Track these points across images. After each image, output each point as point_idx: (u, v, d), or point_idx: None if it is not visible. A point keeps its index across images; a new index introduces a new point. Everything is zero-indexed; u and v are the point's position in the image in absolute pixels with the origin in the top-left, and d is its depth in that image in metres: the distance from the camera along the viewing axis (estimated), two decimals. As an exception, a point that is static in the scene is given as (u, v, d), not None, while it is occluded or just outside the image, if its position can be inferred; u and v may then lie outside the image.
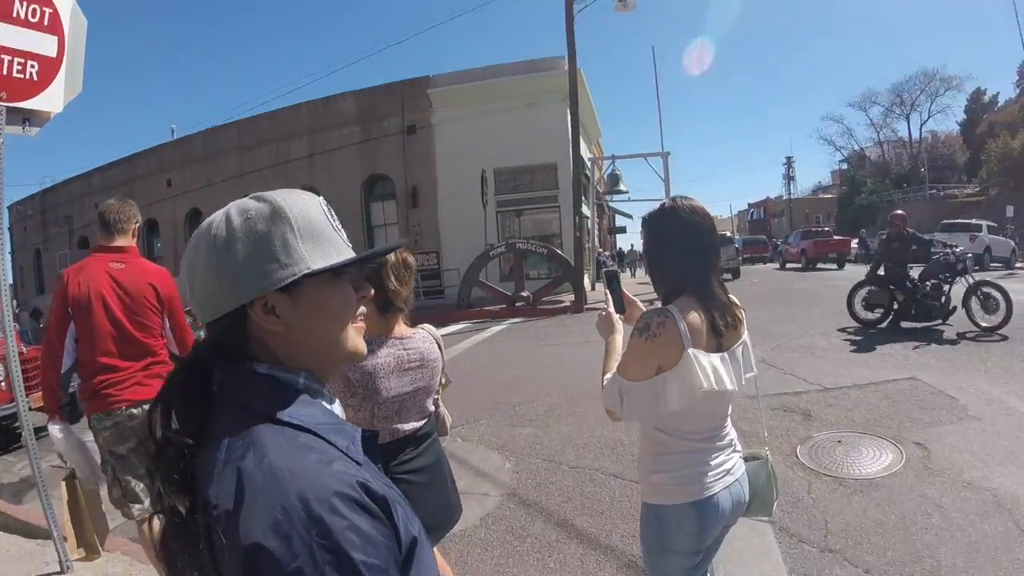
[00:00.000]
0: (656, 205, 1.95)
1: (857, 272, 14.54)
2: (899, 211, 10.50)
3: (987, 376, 6.69)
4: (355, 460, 0.77)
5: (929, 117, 54.97)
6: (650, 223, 1.91)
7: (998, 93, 54.10)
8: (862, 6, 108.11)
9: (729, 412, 1.91)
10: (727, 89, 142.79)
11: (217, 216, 0.85)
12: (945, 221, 25.61)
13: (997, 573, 3.12)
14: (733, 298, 1.90)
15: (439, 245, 20.89)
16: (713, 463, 1.82)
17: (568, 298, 16.75)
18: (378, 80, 23.75)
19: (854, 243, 29.22)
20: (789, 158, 64.63)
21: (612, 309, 2.08)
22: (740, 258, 25.53)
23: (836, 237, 28.99)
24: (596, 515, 4.05)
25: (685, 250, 1.83)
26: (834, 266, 26.90)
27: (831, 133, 76.46)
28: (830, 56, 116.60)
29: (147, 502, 2.89)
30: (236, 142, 24.70)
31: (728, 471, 1.85)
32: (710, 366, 1.70)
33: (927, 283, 9.45)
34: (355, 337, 0.90)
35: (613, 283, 2.15)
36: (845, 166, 62.89)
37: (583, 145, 21.02)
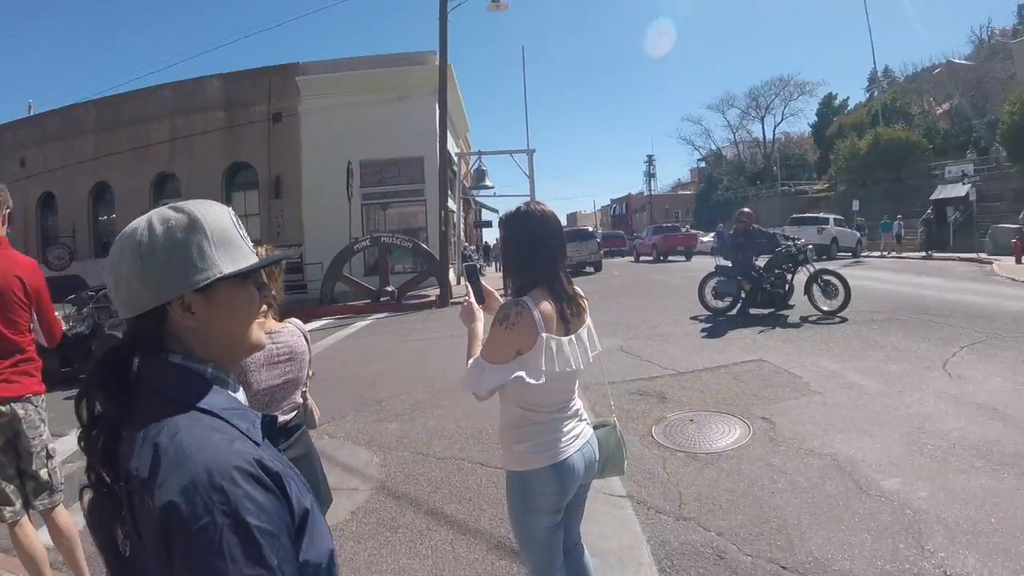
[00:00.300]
0: (512, 207, 2.38)
1: (707, 263, 16.12)
2: (746, 208, 12.15)
3: (828, 355, 7.83)
4: (254, 440, 0.97)
5: (783, 119, 64.69)
6: (506, 224, 2.33)
7: (848, 98, 63.32)
8: (723, 14, 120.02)
9: (577, 387, 2.36)
10: (593, 89, 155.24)
11: (140, 223, 1.04)
12: (794, 215, 29.53)
13: (839, 526, 3.69)
14: (578, 290, 2.35)
15: (302, 238, 21.47)
16: (565, 430, 2.26)
17: (433, 292, 17.71)
18: (249, 66, 23.82)
19: (708, 237, 33.28)
20: (650, 156, 73.22)
21: (473, 300, 2.47)
22: (601, 252, 27.57)
23: (684, 232, 34.08)
24: (464, 502, 4.41)
25: (536, 249, 2.26)
26: (683, 258, 31.06)
27: (690, 133, 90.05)
28: (691, 60, 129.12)
29: (18, 504, 3.07)
30: (94, 122, 24.46)
31: (578, 436, 2.30)
32: (560, 348, 2.16)
33: (772, 273, 10.97)
34: (257, 332, 1.12)
35: (473, 276, 2.57)
36: (703, 164, 71.70)
37: (451, 140, 22.50)
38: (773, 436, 5.18)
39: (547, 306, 2.16)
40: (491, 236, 39.44)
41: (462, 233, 28.02)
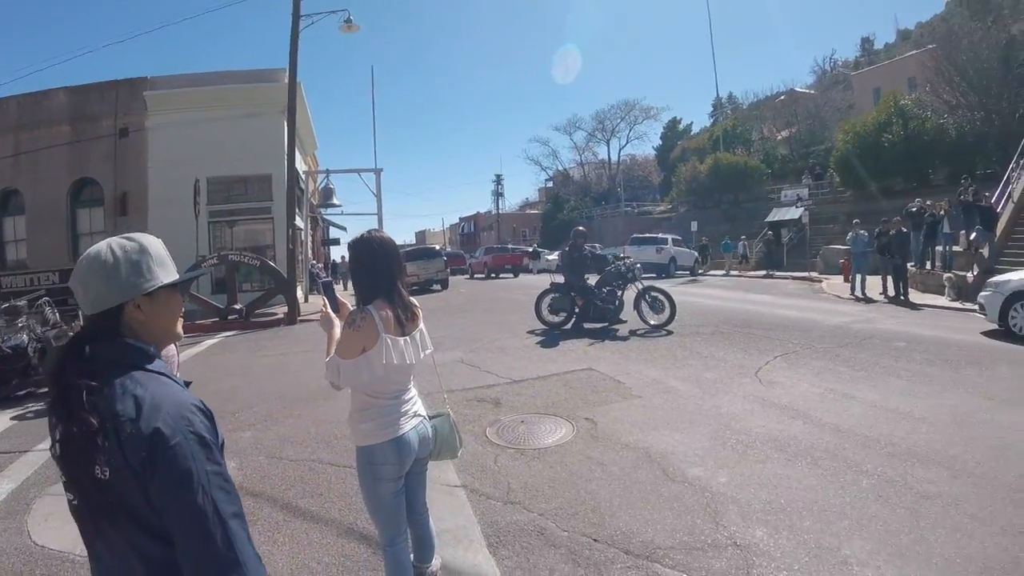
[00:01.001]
0: (358, 234, 3.12)
1: (538, 279, 17.31)
2: (580, 227, 13.56)
3: (652, 364, 8.81)
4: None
5: (628, 142, 69.78)
6: (352, 248, 3.08)
7: (692, 123, 70.29)
8: (573, 39, 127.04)
9: (412, 377, 3.09)
10: (444, 110, 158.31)
11: (103, 247, 1.57)
12: (635, 235, 31.63)
13: (646, 507, 4.37)
14: (413, 300, 3.07)
15: None
16: (402, 411, 2.98)
17: (282, 310, 18.26)
18: (96, 80, 22.78)
19: (553, 255, 35.39)
20: (499, 175, 77.18)
21: (329, 310, 3.15)
22: (448, 270, 28.46)
23: (511, 252, 37.74)
24: (316, 496, 4.99)
25: (376, 267, 2.97)
26: (511, 275, 34.13)
27: (538, 154, 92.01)
28: (540, 82, 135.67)
29: None
30: None
31: (413, 417, 3.02)
32: (397, 346, 2.86)
33: (603, 289, 12.23)
34: (179, 325, 1.70)
35: (329, 290, 3.71)
36: (550, 184, 76.07)
37: (299, 157, 23.74)
38: (595, 434, 5.90)
39: (386, 312, 2.87)
40: (338, 253, 39.48)
41: (309, 251, 28.89)
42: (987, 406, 6.47)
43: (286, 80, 19.69)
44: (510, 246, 41.99)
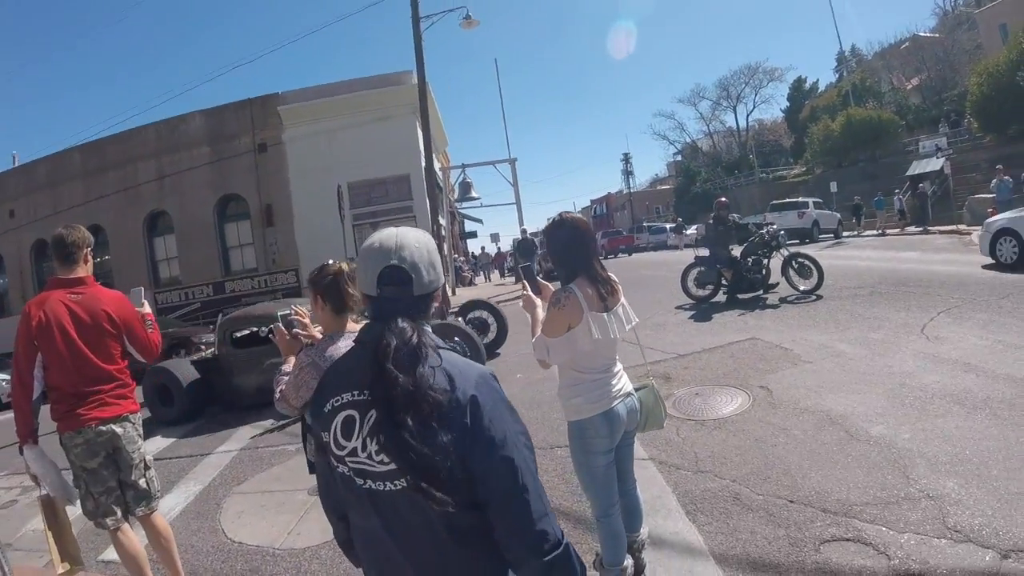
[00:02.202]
0: (553, 218, 3.19)
1: (680, 255, 17.02)
2: (722, 198, 13.19)
3: (815, 329, 8.64)
4: None
5: (754, 107, 66.01)
6: (549, 232, 3.14)
7: (818, 80, 65.19)
8: (685, 7, 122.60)
9: (617, 352, 3.13)
10: (567, 94, 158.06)
11: (425, 236, 1.63)
12: (774, 202, 30.23)
13: (835, 467, 4.44)
14: (612, 275, 3.11)
15: (298, 263, 22.31)
16: (611, 385, 3.03)
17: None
18: (229, 100, 25.23)
19: (692, 230, 35.18)
20: (626, 154, 74.65)
21: (530, 292, 3.20)
22: (601, 251, 28.80)
23: (624, 235, 40.70)
24: None
25: (575, 247, 3.04)
26: (626, 255, 37.25)
27: (664, 128, 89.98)
28: (659, 56, 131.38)
29: (119, 513, 3.59)
30: (81, 167, 25.24)
31: (621, 390, 3.06)
32: (601, 321, 2.92)
33: (749, 259, 11.93)
34: None
35: (529, 274, 3.52)
36: (679, 158, 72.91)
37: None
38: (771, 401, 5.94)
39: (588, 290, 2.93)
40: (476, 246, 40.51)
41: (449, 245, 29.35)
42: None
43: (414, 81, 19.97)
44: (621, 230, 43.76)
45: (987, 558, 3.21)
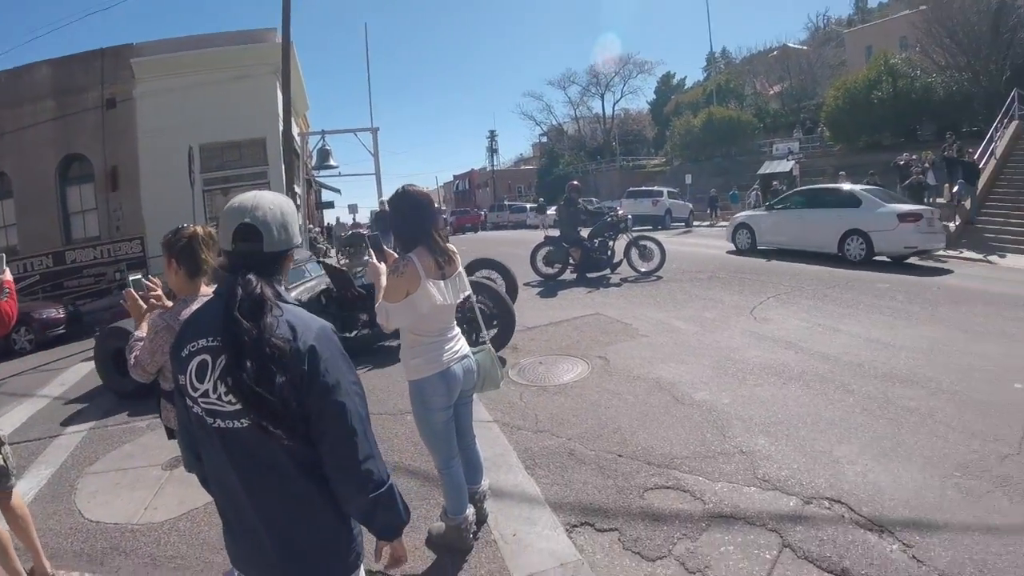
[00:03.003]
0: (397, 189, 3.41)
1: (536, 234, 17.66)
2: (574, 182, 13.97)
3: (655, 307, 9.34)
4: None
5: (622, 96, 68.95)
6: (392, 202, 3.38)
7: (686, 77, 69.67)
8: None
9: (454, 317, 3.42)
10: (437, 66, 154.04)
11: (283, 198, 1.86)
12: (631, 189, 31.96)
13: (661, 426, 4.94)
14: (450, 246, 3.38)
15: (143, 230, 20.48)
16: (447, 348, 3.33)
17: None
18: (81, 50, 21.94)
19: (552, 210, 35.96)
20: (492, 131, 75.12)
21: (376, 260, 3.43)
22: (449, 228, 28.72)
23: (471, 213, 42.38)
24: None
25: (416, 218, 3.28)
26: (472, 232, 38.51)
27: (532, 109, 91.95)
28: (535, 37, 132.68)
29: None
30: None
31: (458, 352, 3.37)
32: (438, 288, 3.19)
33: (595, 240, 12.68)
34: None
35: (375, 244, 3.55)
36: (545, 139, 74.98)
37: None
38: (608, 369, 6.43)
39: (427, 259, 3.19)
40: (332, 216, 39.31)
41: (305, 215, 28.30)
42: (960, 337, 7.03)
43: (278, 39, 18.99)
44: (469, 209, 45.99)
45: (791, 504, 3.75)
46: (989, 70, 27.33)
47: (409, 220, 3.29)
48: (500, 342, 7.13)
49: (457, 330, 3.45)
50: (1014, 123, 19.57)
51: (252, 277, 1.68)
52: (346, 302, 8.04)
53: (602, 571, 3.27)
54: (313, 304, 7.79)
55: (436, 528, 3.63)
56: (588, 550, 3.45)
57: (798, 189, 17.60)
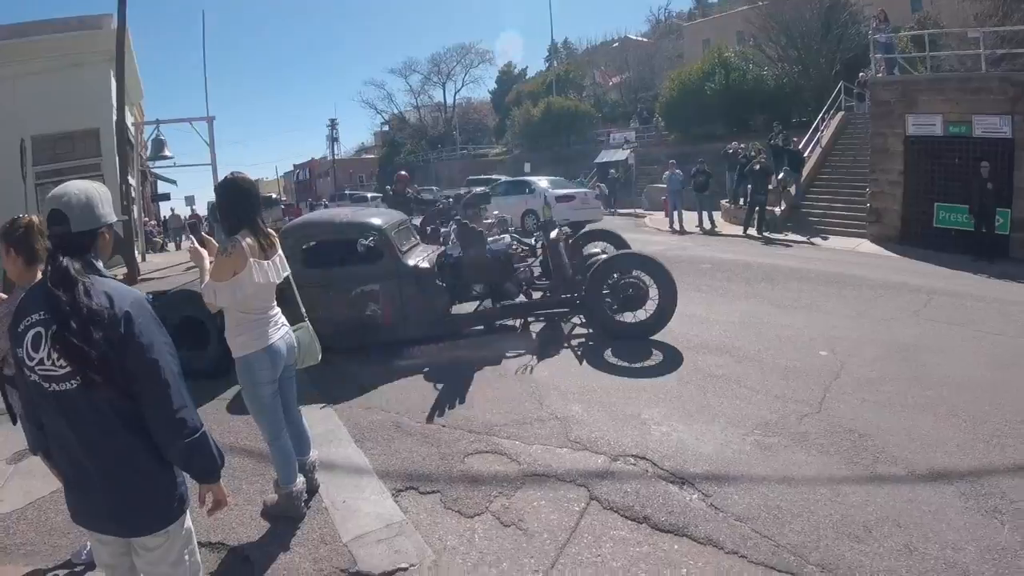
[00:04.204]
0: (225, 176, 3.79)
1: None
2: (402, 172, 14.68)
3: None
4: None
5: (463, 86, 70.12)
6: (221, 188, 3.68)
7: (527, 67, 71.05)
8: None
9: (274, 296, 3.71)
10: (277, 54, 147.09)
11: (88, 184, 2.18)
12: (470, 177, 32.51)
13: (484, 399, 5.25)
14: (270, 230, 3.72)
15: None
16: (270, 324, 3.63)
17: (121, 271, 16.87)
18: None
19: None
20: (333, 120, 76.52)
21: (197, 245, 3.64)
22: (286, 219, 27.73)
23: (296, 208, 40.19)
24: None
25: (242, 203, 3.59)
26: None
27: (373, 97, 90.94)
28: (376, 25, 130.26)
29: None
30: None
31: (279, 328, 3.69)
32: (262, 268, 3.50)
33: (427, 228, 12.72)
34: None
35: (195, 230, 4.40)
36: (386, 128, 74.67)
37: (126, 109, 21.79)
38: (438, 348, 6.77)
39: (251, 241, 3.47)
40: (167, 208, 37.03)
41: (139, 208, 26.90)
42: (772, 311, 7.86)
43: (113, 26, 18.33)
44: (292, 203, 44.48)
45: (599, 461, 4.16)
46: (819, 64, 29.81)
47: (235, 205, 3.58)
48: (663, 316, 6.69)
49: (277, 309, 3.75)
50: (840, 114, 21.57)
51: (60, 255, 2.02)
52: (463, 270, 7.39)
53: (425, 529, 3.57)
54: (429, 273, 7.08)
55: (270, 499, 3.86)
56: (412, 511, 3.75)
57: (502, 180, 23.65)
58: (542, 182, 20.38)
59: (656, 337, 6.61)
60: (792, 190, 18.14)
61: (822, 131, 21.02)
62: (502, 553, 3.30)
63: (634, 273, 6.82)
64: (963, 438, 4.54)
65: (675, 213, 18.53)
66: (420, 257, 7.39)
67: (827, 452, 4.28)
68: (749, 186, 17.48)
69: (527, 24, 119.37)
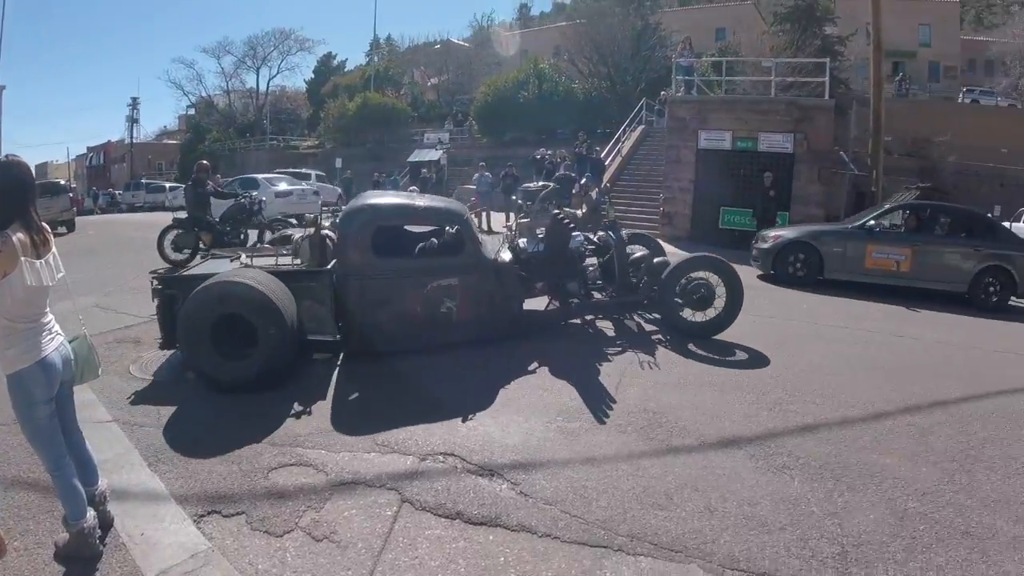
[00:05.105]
0: None
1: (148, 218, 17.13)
2: (203, 161, 14.16)
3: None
4: None
5: (279, 72, 68.28)
6: None
7: (347, 59, 70.68)
8: None
9: (48, 301, 3.36)
10: (77, 20, 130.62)
11: None
12: (278, 170, 31.50)
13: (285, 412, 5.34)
14: (44, 224, 3.32)
15: None
16: (43, 334, 3.29)
17: None
18: None
19: None
20: (135, 99, 68.74)
21: None
22: (75, 209, 25.33)
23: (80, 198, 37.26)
24: None
25: (14, 192, 3.19)
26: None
27: (181, 77, 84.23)
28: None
29: None
30: None
31: (53, 339, 3.35)
32: (35, 268, 3.14)
33: (227, 225, 12.78)
34: None
35: None
36: (192, 112, 71.18)
37: None
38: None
39: (23, 236, 3.11)
40: None
41: None
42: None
43: None
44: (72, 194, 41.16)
45: (408, 463, 4.41)
46: (626, 81, 33.36)
47: (7, 194, 3.17)
48: (728, 319, 7.41)
49: (51, 316, 3.39)
50: (640, 128, 24.71)
51: None
52: (542, 265, 7.32)
53: (232, 555, 3.49)
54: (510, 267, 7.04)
55: (61, 539, 3.48)
56: (217, 537, 3.64)
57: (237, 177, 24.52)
58: (277, 179, 23.29)
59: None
60: (593, 195, 19.53)
61: (623, 142, 23.65)
62: (316, 570, 3.36)
63: (703, 275, 7.49)
64: (748, 408, 5.52)
65: (484, 214, 19.25)
66: (494, 249, 7.25)
67: (625, 431, 4.94)
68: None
69: (352, 16, 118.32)
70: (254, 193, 13.88)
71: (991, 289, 12.05)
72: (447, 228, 6.96)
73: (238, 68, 67.79)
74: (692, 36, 25.86)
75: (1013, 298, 12.22)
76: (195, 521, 3.79)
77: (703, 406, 5.53)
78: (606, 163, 22.15)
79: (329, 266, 6.59)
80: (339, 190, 31.83)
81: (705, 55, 28.52)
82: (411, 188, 29.76)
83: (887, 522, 3.91)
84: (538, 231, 7.77)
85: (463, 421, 5.04)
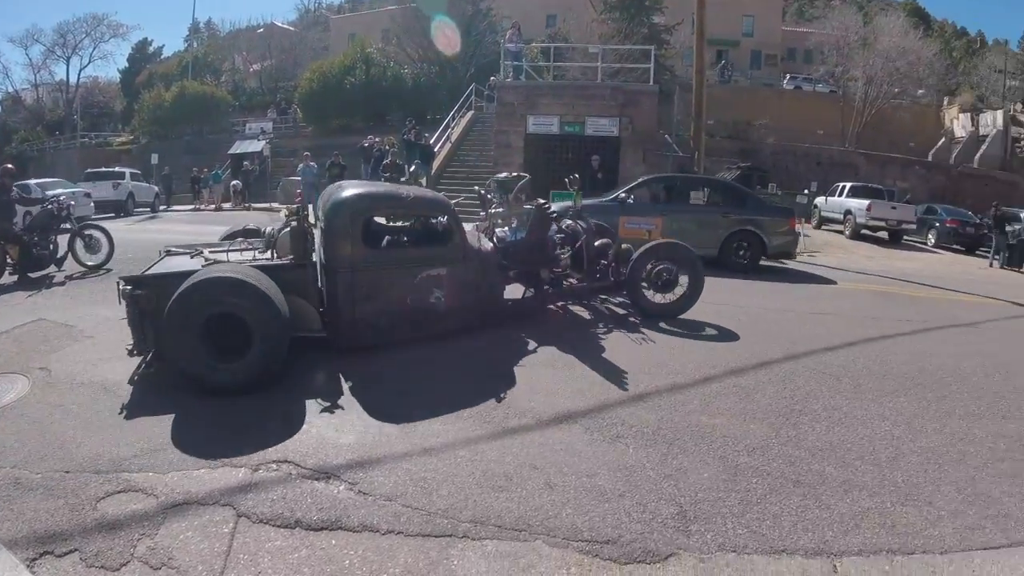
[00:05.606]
0: None
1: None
2: (8, 164, 13.03)
3: (102, 304, 8.97)
4: None
5: (90, 62, 62.88)
6: None
7: (164, 46, 67.66)
8: None
9: None
10: None
11: None
12: (89, 170, 29.42)
13: (108, 431, 5.00)
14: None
15: None
16: None
17: None
18: None
19: None
20: None
21: None
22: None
23: None
24: None
25: None
26: None
27: None
28: None
29: None
30: None
31: None
32: None
33: (35, 234, 11.73)
34: None
35: None
36: None
37: None
38: (50, 380, 6.15)
39: None
40: None
41: None
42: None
43: None
44: None
45: (241, 474, 4.26)
46: (456, 67, 33.11)
47: None
48: (689, 303, 8.33)
49: None
50: (470, 113, 25.08)
51: None
52: (519, 254, 7.73)
53: None
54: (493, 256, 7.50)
55: None
56: None
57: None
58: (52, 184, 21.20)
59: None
60: (423, 182, 19.73)
61: (452, 128, 23.73)
62: (159, 601, 3.16)
63: (666, 262, 8.25)
64: (580, 384, 5.77)
65: (310, 205, 18.63)
66: (474, 239, 7.42)
67: (461, 417, 5.04)
68: (384, 177, 18.58)
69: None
70: (62, 197, 12.88)
71: (741, 252, 13.54)
72: (438, 219, 7.15)
73: (47, 59, 62.82)
74: (523, 22, 26.36)
75: (763, 259, 13.84)
76: (28, 566, 3.54)
77: (537, 386, 5.78)
78: (436, 149, 22.14)
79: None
80: (156, 188, 30.23)
81: (535, 41, 29.16)
82: (233, 183, 28.82)
83: (721, 479, 4.26)
84: (513, 220, 8.31)
85: (297, 425, 4.93)
